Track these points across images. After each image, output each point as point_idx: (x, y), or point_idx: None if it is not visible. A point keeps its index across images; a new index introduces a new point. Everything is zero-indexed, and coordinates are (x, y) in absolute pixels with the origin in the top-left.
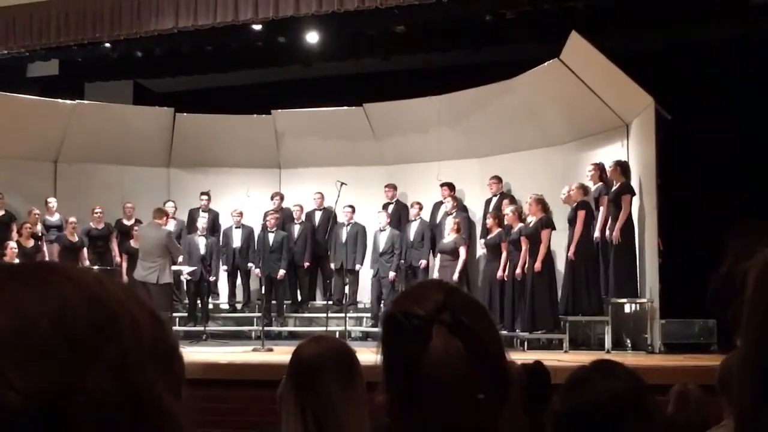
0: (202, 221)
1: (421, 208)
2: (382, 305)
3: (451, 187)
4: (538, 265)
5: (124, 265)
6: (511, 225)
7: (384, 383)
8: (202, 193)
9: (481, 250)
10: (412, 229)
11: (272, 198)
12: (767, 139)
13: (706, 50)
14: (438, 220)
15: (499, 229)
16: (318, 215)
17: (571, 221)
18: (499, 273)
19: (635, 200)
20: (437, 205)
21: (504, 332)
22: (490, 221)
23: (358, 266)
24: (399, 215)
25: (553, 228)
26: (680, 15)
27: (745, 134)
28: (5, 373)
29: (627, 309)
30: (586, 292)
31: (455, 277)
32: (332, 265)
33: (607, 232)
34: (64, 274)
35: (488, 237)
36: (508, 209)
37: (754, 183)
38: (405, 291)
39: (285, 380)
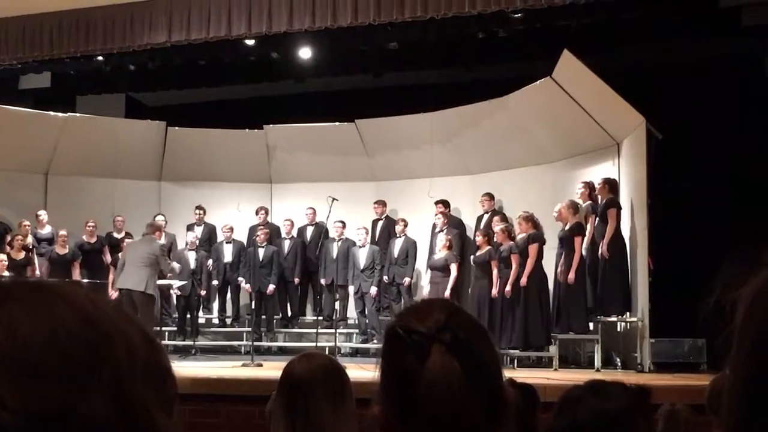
0: (192, 235)
1: (406, 225)
2: (367, 321)
3: (445, 204)
4: (523, 280)
5: (112, 278)
6: (500, 242)
7: (380, 395)
8: (197, 208)
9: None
10: (396, 246)
11: (257, 212)
12: (758, 158)
13: (698, 70)
14: (432, 237)
15: (489, 247)
16: (309, 230)
17: (563, 241)
18: (493, 292)
19: (626, 218)
20: (435, 225)
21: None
22: (479, 239)
23: (347, 281)
24: (388, 231)
25: (542, 242)
26: (672, 35)
27: (737, 154)
28: None
29: (617, 327)
30: (576, 309)
31: (446, 293)
32: (322, 281)
33: (598, 249)
34: (58, 294)
35: (477, 254)
36: (497, 227)
37: (745, 203)
38: (409, 306)
39: (275, 397)
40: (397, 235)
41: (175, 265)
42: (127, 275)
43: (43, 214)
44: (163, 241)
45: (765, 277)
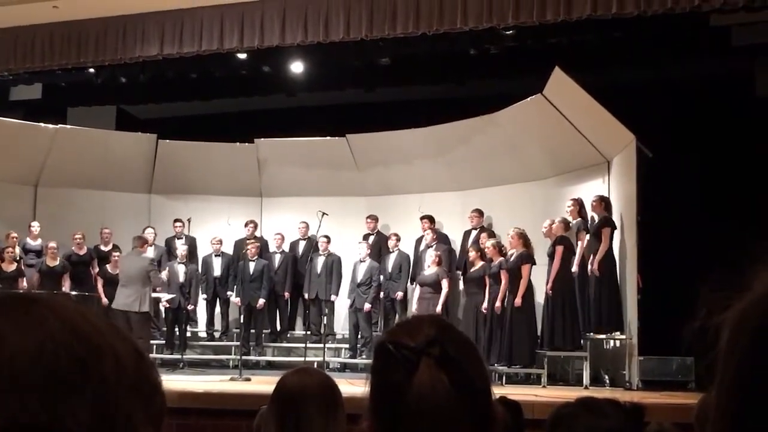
0: (183, 248)
1: (398, 240)
2: (359, 336)
3: (430, 219)
4: (518, 301)
5: (101, 290)
6: (491, 258)
7: (369, 411)
8: (176, 220)
9: (460, 283)
10: (390, 261)
11: (246, 225)
12: (748, 177)
13: (688, 88)
14: (420, 252)
15: (482, 263)
16: (302, 245)
17: (551, 256)
18: (484, 305)
19: (616, 236)
20: (419, 240)
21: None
22: (473, 254)
23: (333, 297)
24: (380, 246)
25: (533, 263)
26: (663, 53)
27: (726, 172)
28: None
29: (606, 345)
30: (565, 327)
31: (438, 309)
32: (306, 295)
33: (588, 266)
34: (48, 307)
35: (471, 270)
36: (488, 243)
37: (735, 221)
38: (399, 322)
39: (267, 409)
40: (390, 250)
41: (164, 275)
42: (122, 294)
43: (36, 226)
44: (151, 254)
45: (748, 301)
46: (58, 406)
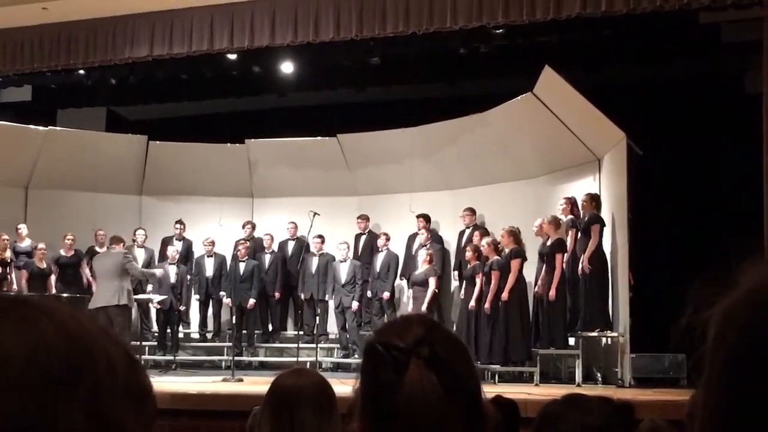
0: (172, 250)
1: (388, 239)
2: (347, 336)
3: (426, 218)
4: (505, 295)
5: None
6: (487, 257)
7: (359, 411)
8: (177, 222)
9: (454, 282)
10: (379, 261)
11: (243, 227)
12: (738, 175)
13: (678, 86)
14: (414, 251)
15: (477, 262)
16: (291, 245)
17: (543, 256)
18: (471, 303)
19: (607, 233)
20: (412, 237)
21: (476, 364)
22: (469, 254)
23: (327, 296)
24: (371, 246)
25: (524, 258)
26: (652, 51)
27: (716, 170)
28: None
29: (598, 343)
30: (557, 325)
31: (424, 307)
32: (302, 296)
33: (579, 264)
34: (41, 310)
35: (467, 269)
36: (484, 241)
37: (725, 219)
38: (388, 322)
39: (262, 410)
40: (380, 250)
41: (158, 271)
42: (99, 293)
43: (23, 228)
44: (141, 255)
45: (734, 298)
46: (51, 408)
